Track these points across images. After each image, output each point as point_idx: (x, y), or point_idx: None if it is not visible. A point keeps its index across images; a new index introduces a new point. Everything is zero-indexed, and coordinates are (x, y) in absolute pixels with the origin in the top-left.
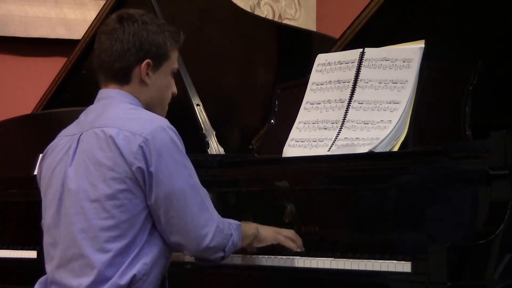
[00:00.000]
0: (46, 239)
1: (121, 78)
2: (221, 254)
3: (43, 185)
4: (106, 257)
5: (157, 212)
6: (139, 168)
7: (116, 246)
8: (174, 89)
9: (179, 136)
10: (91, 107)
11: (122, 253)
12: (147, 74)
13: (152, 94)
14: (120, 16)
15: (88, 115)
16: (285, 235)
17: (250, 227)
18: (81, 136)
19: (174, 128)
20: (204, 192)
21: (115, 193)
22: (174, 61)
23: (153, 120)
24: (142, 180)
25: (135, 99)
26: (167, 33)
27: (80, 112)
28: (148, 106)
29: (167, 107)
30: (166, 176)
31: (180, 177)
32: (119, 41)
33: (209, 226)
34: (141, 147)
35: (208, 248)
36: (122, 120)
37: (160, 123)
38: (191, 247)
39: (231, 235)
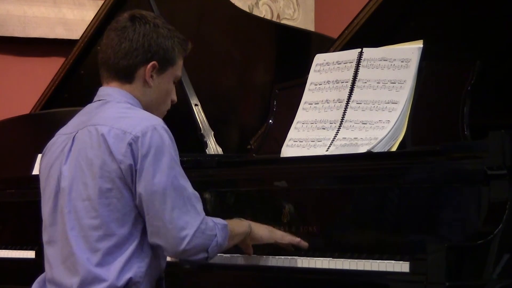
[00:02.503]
0: (44, 237)
1: (124, 76)
2: (204, 255)
3: (41, 183)
4: (95, 256)
5: (142, 211)
6: (129, 165)
7: (105, 245)
8: (174, 96)
9: (172, 137)
10: (88, 105)
11: (112, 252)
12: (151, 76)
13: (153, 97)
14: (132, 16)
15: (86, 113)
16: (281, 233)
17: (242, 225)
18: (76, 134)
19: (167, 129)
20: (189, 195)
21: (104, 191)
22: (178, 68)
23: (146, 119)
24: (130, 179)
25: (134, 99)
26: (176, 39)
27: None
28: (147, 109)
29: (165, 113)
30: (150, 175)
31: (163, 177)
32: (128, 39)
33: (189, 229)
34: (130, 144)
35: (186, 250)
36: (115, 119)
37: (153, 123)
38: (170, 248)
39: (215, 235)
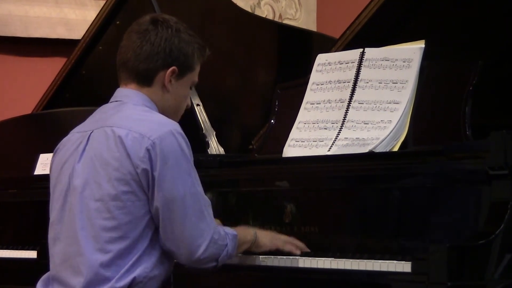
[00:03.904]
0: (50, 234)
1: (143, 79)
2: (213, 263)
3: (52, 180)
4: (105, 257)
5: (157, 217)
6: (144, 170)
7: (116, 247)
8: (189, 101)
9: (188, 142)
10: (105, 105)
11: (122, 254)
12: (170, 80)
13: (170, 101)
14: (155, 19)
15: (102, 113)
16: (284, 240)
17: (248, 233)
18: (92, 133)
19: (183, 134)
20: (205, 201)
21: (118, 194)
22: (196, 74)
23: (163, 124)
24: (146, 183)
25: (151, 102)
26: (196, 45)
27: (80, 112)
28: (163, 113)
29: (179, 118)
30: (169, 181)
31: (182, 184)
32: (150, 43)
33: (204, 238)
34: (148, 150)
35: (200, 259)
36: (132, 121)
37: (170, 128)
38: (184, 256)
39: (226, 245)
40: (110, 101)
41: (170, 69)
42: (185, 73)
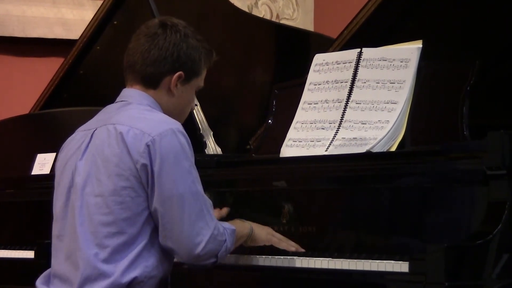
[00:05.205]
0: (53, 231)
1: (149, 82)
2: (213, 260)
3: (56, 177)
4: (103, 252)
5: (156, 214)
6: (144, 165)
7: (114, 242)
8: (193, 104)
9: (189, 142)
10: (111, 105)
11: (120, 250)
12: (176, 85)
13: (175, 105)
14: (164, 23)
15: (107, 113)
16: (279, 237)
17: (245, 227)
18: (95, 131)
19: (185, 133)
20: (205, 200)
21: (118, 189)
22: (202, 79)
23: (165, 122)
24: (145, 179)
25: (156, 103)
26: (203, 50)
27: (78, 112)
28: (167, 114)
29: (183, 120)
30: (168, 179)
31: (182, 182)
32: (158, 47)
33: (203, 235)
34: (147, 146)
35: (200, 255)
36: (134, 119)
37: (171, 126)
38: (183, 253)
39: (225, 241)
40: (115, 101)
41: (177, 74)
42: (191, 78)
